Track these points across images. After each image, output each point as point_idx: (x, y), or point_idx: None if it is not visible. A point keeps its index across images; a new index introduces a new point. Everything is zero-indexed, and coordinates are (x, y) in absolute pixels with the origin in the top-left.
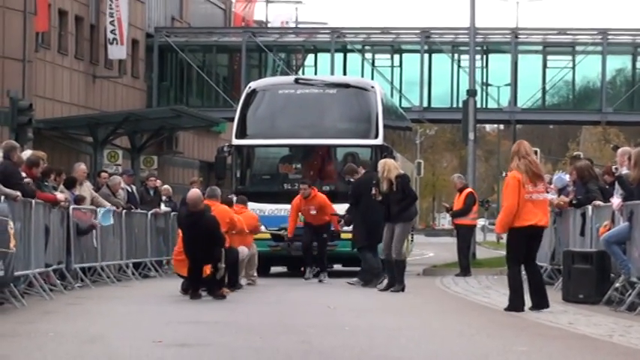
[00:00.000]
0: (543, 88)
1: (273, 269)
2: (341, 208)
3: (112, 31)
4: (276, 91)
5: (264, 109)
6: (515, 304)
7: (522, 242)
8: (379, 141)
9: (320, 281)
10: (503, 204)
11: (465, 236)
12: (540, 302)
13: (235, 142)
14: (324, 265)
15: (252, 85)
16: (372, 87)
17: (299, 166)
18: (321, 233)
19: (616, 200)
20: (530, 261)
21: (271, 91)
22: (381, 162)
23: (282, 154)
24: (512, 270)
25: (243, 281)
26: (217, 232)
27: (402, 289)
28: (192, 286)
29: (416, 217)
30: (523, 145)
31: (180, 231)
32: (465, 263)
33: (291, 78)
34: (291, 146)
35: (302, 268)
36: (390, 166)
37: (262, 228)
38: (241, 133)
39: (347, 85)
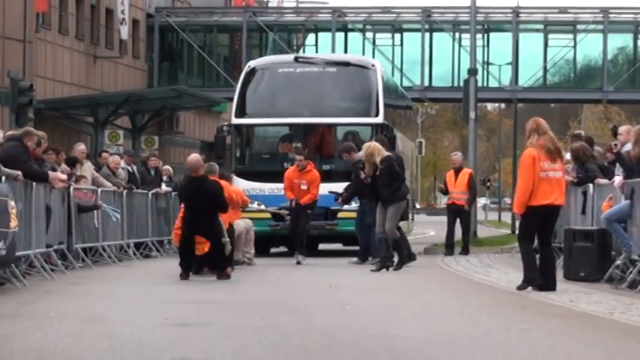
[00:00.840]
0: (544, 67)
1: (273, 249)
2: (341, 187)
3: (122, 11)
4: (276, 70)
5: (263, 88)
6: (530, 277)
7: (536, 222)
8: (379, 119)
9: (298, 263)
10: (518, 182)
11: (469, 216)
12: (547, 284)
13: (235, 121)
14: (301, 243)
15: (252, 63)
16: (373, 65)
17: (299, 145)
18: (305, 209)
19: (617, 178)
20: (545, 242)
21: (271, 69)
22: (365, 145)
23: (281, 133)
24: (524, 246)
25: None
26: (221, 196)
27: (397, 265)
28: (184, 266)
29: (408, 195)
30: (542, 123)
31: (182, 206)
32: (467, 241)
33: (290, 56)
34: (290, 125)
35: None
36: (374, 150)
37: (260, 205)
38: (241, 112)
39: (347, 64)
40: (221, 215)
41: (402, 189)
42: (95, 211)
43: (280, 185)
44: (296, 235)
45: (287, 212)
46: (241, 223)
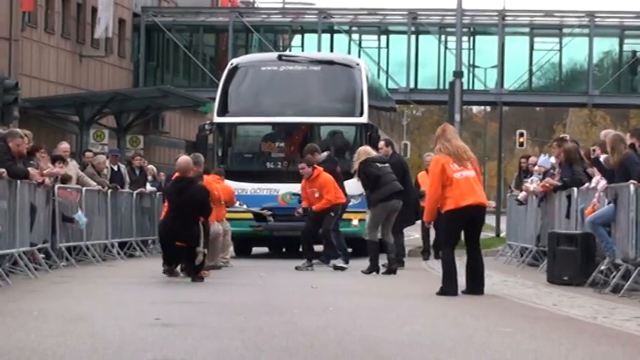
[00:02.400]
0: (530, 70)
1: (255, 249)
2: None
3: (100, 10)
4: (259, 68)
5: (246, 86)
6: (447, 289)
7: (457, 225)
8: (364, 119)
9: (335, 267)
10: (428, 190)
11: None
12: (475, 288)
13: (217, 119)
14: (333, 248)
15: (234, 61)
16: (357, 64)
17: (282, 144)
18: (327, 212)
19: (601, 182)
20: (474, 244)
21: (254, 67)
22: (359, 148)
23: (264, 132)
24: (446, 252)
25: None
26: (206, 201)
27: (372, 271)
28: (168, 261)
29: (389, 200)
30: (449, 129)
31: (166, 203)
32: None
33: (274, 54)
34: (273, 124)
35: (283, 249)
36: (360, 153)
37: (239, 205)
38: (223, 111)
39: (331, 62)
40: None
41: (377, 192)
42: (79, 210)
43: (262, 185)
44: (305, 237)
45: (269, 213)
46: (218, 228)
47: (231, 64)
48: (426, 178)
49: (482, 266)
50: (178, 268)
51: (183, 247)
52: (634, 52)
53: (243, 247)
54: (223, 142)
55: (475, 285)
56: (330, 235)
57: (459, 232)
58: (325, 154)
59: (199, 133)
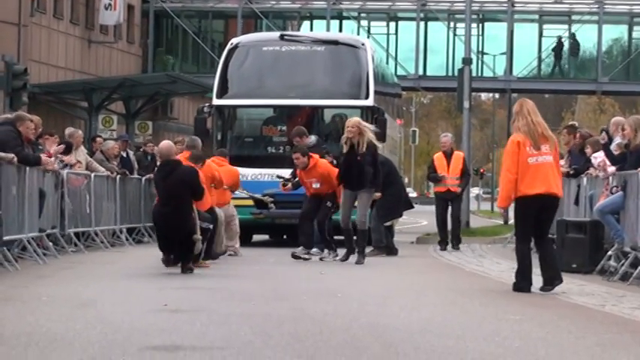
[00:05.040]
0: (539, 57)
1: (255, 237)
2: (288, 172)
3: None
4: (260, 48)
5: (247, 67)
6: (520, 285)
7: (528, 214)
8: (370, 102)
9: (321, 259)
10: (501, 173)
11: (460, 205)
12: (551, 278)
13: (216, 101)
14: (327, 241)
15: (235, 40)
16: (363, 44)
17: (284, 128)
18: (325, 201)
19: (611, 168)
20: (543, 236)
21: (255, 47)
22: (353, 120)
23: (265, 115)
24: (520, 246)
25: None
26: (195, 182)
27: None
28: (166, 252)
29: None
30: (526, 104)
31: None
32: (459, 233)
33: (276, 34)
34: (275, 107)
35: (284, 236)
36: (365, 128)
37: (240, 191)
38: (222, 93)
39: (336, 42)
40: (205, 198)
41: (378, 179)
42: (87, 197)
43: (264, 170)
44: (304, 222)
45: (271, 200)
46: (220, 213)
47: (231, 44)
48: (442, 159)
49: (554, 259)
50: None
51: (178, 236)
52: None
53: (244, 234)
54: (223, 125)
55: (552, 274)
56: (325, 225)
57: (531, 222)
58: (314, 137)
59: (197, 116)
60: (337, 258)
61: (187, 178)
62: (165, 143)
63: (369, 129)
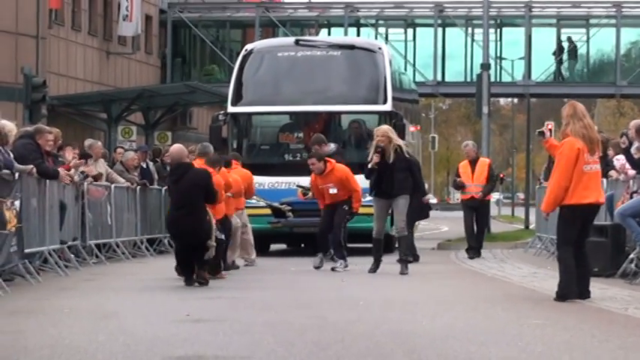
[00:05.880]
0: (558, 62)
1: (272, 247)
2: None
3: (126, 7)
4: (276, 54)
5: (262, 73)
6: (565, 292)
7: (576, 222)
8: (387, 107)
9: (332, 269)
10: (555, 176)
11: (488, 213)
12: (583, 292)
13: (231, 109)
14: (339, 248)
15: (249, 46)
16: (380, 48)
17: (300, 135)
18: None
19: (631, 171)
20: (582, 244)
21: (270, 53)
22: (380, 128)
23: (281, 122)
24: (564, 252)
25: (239, 262)
26: (209, 184)
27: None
28: (184, 270)
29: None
30: (578, 107)
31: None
32: (482, 243)
33: (291, 39)
34: (291, 113)
35: (302, 245)
36: (392, 135)
37: (257, 200)
38: (237, 100)
39: (352, 47)
40: (220, 206)
41: (417, 183)
42: (108, 208)
43: (281, 179)
44: (323, 236)
45: (289, 208)
46: (236, 220)
47: (246, 50)
48: (466, 167)
49: (589, 269)
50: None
51: (193, 242)
52: None
53: (261, 244)
54: (238, 133)
55: (583, 288)
56: (341, 231)
57: (577, 230)
58: (333, 145)
59: (212, 124)
60: (347, 268)
61: (200, 180)
62: (176, 146)
63: (393, 133)
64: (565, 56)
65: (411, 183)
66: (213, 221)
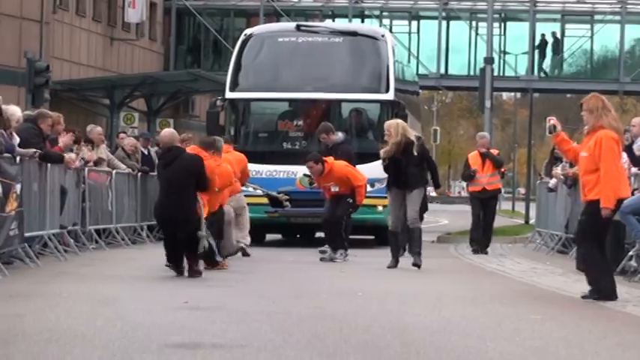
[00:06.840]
0: (561, 57)
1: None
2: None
3: None
4: (276, 39)
5: (261, 59)
6: (606, 287)
7: (611, 217)
8: (390, 96)
9: (331, 260)
10: (608, 171)
11: (496, 206)
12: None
13: (229, 95)
14: (341, 239)
15: (248, 31)
16: (383, 35)
17: (300, 123)
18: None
19: (633, 169)
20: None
21: (270, 38)
22: (392, 122)
23: (280, 109)
24: (593, 247)
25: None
26: (200, 170)
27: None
28: (171, 259)
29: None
30: (605, 99)
31: None
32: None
33: (292, 24)
34: (291, 100)
35: (297, 235)
36: (405, 127)
37: (253, 189)
38: (235, 85)
39: (354, 33)
40: (212, 192)
41: (434, 175)
42: (108, 194)
43: (279, 167)
44: (328, 226)
45: (286, 197)
46: (229, 209)
47: (245, 34)
48: (476, 158)
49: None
50: (184, 264)
51: (181, 231)
52: None
53: (257, 234)
54: (236, 119)
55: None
56: (342, 222)
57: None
58: (341, 134)
59: (209, 110)
60: (347, 258)
61: (191, 166)
62: (167, 130)
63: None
64: (549, 51)
65: (426, 176)
66: (204, 212)
